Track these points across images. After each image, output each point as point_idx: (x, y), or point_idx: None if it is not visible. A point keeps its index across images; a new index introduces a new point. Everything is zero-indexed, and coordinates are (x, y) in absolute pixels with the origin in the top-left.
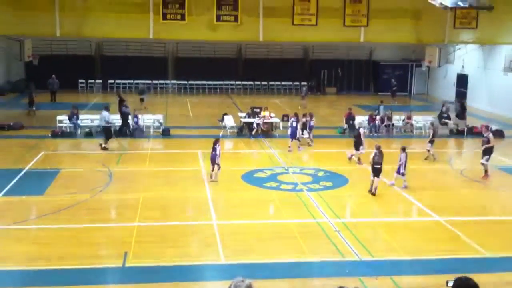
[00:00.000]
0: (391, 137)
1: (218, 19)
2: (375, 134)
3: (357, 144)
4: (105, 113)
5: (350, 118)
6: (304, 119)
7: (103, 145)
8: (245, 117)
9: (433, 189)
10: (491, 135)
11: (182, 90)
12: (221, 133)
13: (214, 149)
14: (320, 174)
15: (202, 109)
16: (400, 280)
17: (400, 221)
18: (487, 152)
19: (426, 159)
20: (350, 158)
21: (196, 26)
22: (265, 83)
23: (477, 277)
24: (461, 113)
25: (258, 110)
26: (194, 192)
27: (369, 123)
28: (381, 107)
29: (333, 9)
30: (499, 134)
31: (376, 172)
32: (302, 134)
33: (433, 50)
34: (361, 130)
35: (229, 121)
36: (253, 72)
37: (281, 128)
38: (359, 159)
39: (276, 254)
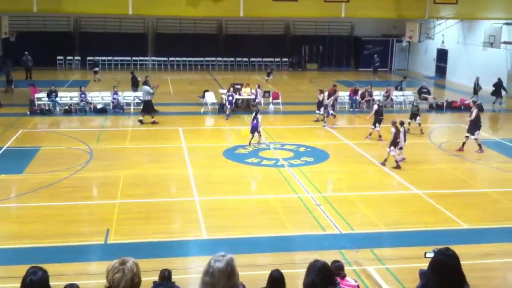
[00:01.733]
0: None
1: None
2: (356, 110)
3: (376, 121)
4: (146, 87)
5: (333, 94)
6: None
7: (142, 119)
8: (226, 94)
9: (412, 163)
10: (475, 110)
11: (162, 66)
12: (202, 109)
13: (255, 118)
14: (302, 149)
15: (182, 86)
16: (380, 252)
17: (380, 194)
18: (475, 127)
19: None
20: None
21: (176, 2)
22: (246, 59)
23: (455, 249)
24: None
25: (239, 86)
26: (175, 169)
27: (350, 99)
28: (404, 83)
29: None
30: (478, 108)
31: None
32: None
33: (413, 25)
34: (375, 106)
35: (210, 97)
36: (234, 49)
37: (262, 104)
38: (379, 136)
39: (258, 229)
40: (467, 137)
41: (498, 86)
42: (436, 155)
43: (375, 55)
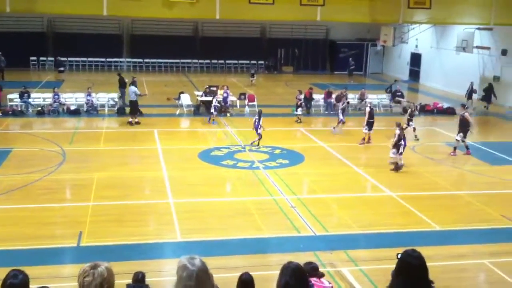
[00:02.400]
0: (346, 115)
1: None
2: (331, 112)
3: (367, 124)
4: (133, 87)
5: (309, 97)
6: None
7: (131, 121)
8: (201, 96)
9: (386, 165)
10: (467, 114)
11: (137, 68)
12: (178, 111)
13: (258, 119)
14: (277, 152)
15: (158, 87)
16: (354, 254)
17: (354, 196)
18: (464, 129)
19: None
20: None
21: (152, 3)
22: (222, 61)
23: (428, 250)
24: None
25: (214, 88)
26: (150, 171)
27: (324, 101)
28: (393, 86)
29: None
30: (450, 111)
31: (398, 147)
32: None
33: (388, 29)
34: (367, 109)
35: (185, 99)
36: (210, 51)
37: (238, 106)
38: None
39: (233, 231)
40: (458, 140)
41: (489, 91)
42: (409, 158)
43: (350, 59)
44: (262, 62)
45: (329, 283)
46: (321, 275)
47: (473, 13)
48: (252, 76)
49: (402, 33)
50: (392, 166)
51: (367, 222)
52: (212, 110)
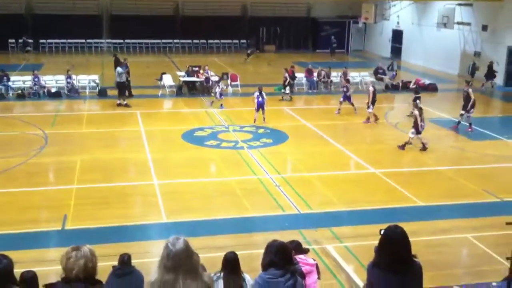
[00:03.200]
0: (329, 93)
1: None
2: (314, 91)
3: (371, 102)
4: (119, 68)
5: (292, 75)
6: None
7: (119, 102)
8: (184, 76)
9: (369, 143)
10: (470, 90)
11: (118, 49)
12: (160, 92)
13: (260, 95)
14: (261, 131)
15: (139, 69)
16: (338, 231)
17: (338, 174)
18: (469, 105)
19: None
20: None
21: None
22: (204, 41)
23: (411, 226)
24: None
25: (197, 68)
26: (133, 153)
27: (307, 80)
28: (395, 63)
29: None
30: (432, 88)
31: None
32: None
33: (369, 6)
34: (371, 88)
35: (167, 80)
36: (191, 30)
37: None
38: (375, 117)
39: (218, 212)
40: (461, 115)
41: (490, 68)
42: (392, 135)
43: (332, 37)
44: (244, 41)
45: (314, 260)
46: (306, 250)
47: None
48: (248, 55)
49: (384, 10)
50: (421, 146)
51: (351, 199)
52: (218, 95)
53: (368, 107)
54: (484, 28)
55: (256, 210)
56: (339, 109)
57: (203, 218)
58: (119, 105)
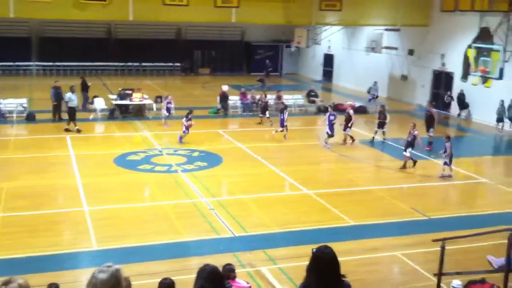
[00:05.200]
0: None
1: None
2: (249, 113)
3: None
4: (70, 94)
5: (224, 98)
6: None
7: (68, 128)
8: (116, 99)
9: (303, 164)
10: (433, 109)
11: (48, 72)
12: (91, 116)
13: (283, 113)
14: (195, 154)
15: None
16: (273, 253)
17: (272, 196)
18: (431, 124)
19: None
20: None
21: (62, 4)
22: (137, 64)
23: (344, 245)
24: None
25: (130, 91)
26: (63, 179)
27: (242, 102)
28: (374, 87)
29: None
30: (362, 110)
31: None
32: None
33: (301, 31)
34: (351, 111)
35: (99, 103)
36: (124, 53)
37: (154, 109)
38: (351, 138)
39: (152, 237)
40: (430, 135)
41: (461, 99)
42: (325, 156)
43: (267, 61)
44: (178, 64)
45: (247, 283)
46: (233, 276)
47: (381, 15)
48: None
49: (315, 35)
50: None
51: (285, 220)
52: (165, 111)
53: (345, 129)
54: (411, 52)
55: (191, 234)
56: (280, 130)
57: (136, 244)
58: (67, 130)
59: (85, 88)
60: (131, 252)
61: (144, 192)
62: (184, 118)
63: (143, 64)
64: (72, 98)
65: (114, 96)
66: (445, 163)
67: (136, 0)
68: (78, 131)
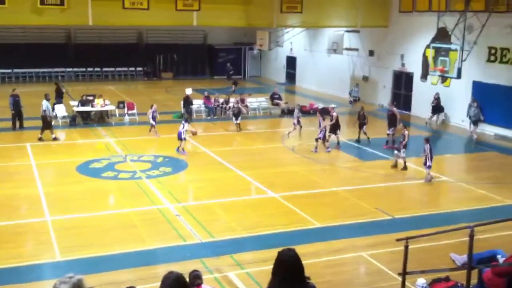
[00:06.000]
0: (228, 119)
1: (42, 2)
2: (214, 117)
3: (335, 128)
4: (45, 102)
5: (187, 102)
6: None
7: (41, 136)
8: (77, 106)
9: (268, 167)
10: (395, 109)
11: (6, 79)
12: (53, 123)
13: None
14: (160, 160)
15: (29, 99)
16: (240, 257)
17: (238, 200)
18: (393, 123)
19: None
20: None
21: (19, 10)
22: (99, 69)
23: (310, 247)
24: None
25: (91, 98)
26: (23, 189)
27: (206, 106)
28: (355, 90)
29: None
30: (326, 112)
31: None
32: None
33: (263, 34)
34: (334, 114)
35: (60, 110)
36: (85, 58)
37: (117, 115)
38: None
39: (117, 245)
40: (388, 134)
41: (437, 102)
42: (290, 158)
43: (228, 64)
44: (140, 68)
45: None
46: (198, 284)
47: (342, 17)
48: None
49: (277, 37)
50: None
51: (252, 224)
52: (152, 122)
53: (332, 132)
54: (371, 53)
55: (157, 242)
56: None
57: (101, 253)
58: (40, 139)
59: (59, 95)
60: (96, 262)
61: (108, 200)
62: (182, 125)
63: (105, 69)
64: (49, 106)
65: (75, 103)
66: (426, 165)
67: (95, 4)
68: (55, 139)
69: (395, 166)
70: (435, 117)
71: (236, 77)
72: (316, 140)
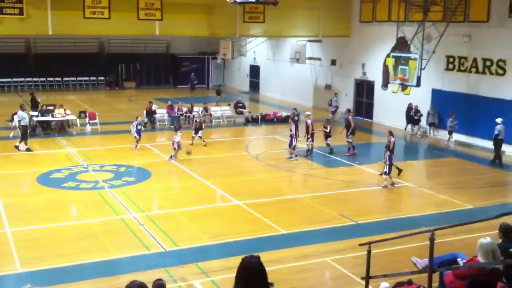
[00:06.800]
0: (190, 128)
1: (0, 11)
2: (177, 126)
3: (312, 135)
4: (21, 112)
5: (150, 111)
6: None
7: (17, 145)
8: (38, 116)
9: (232, 175)
10: (350, 117)
11: None
12: (11, 133)
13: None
14: (122, 169)
15: None
16: (205, 265)
17: (203, 208)
18: (352, 132)
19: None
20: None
21: None
22: (59, 78)
23: (275, 254)
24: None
25: (51, 107)
26: None
27: (169, 116)
28: (334, 99)
29: (126, 2)
30: (286, 120)
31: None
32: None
33: (226, 43)
34: (308, 121)
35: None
36: (45, 68)
37: (78, 125)
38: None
39: (80, 256)
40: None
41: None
42: (254, 166)
43: (192, 74)
44: (102, 78)
45: None
46: None
47: (304, 27)
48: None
49: (240, 46)
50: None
51: (217, 232)
52: (136, 135)
53: (308, 140)
54: (333, 62)
55: (120, 252)
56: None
57: (64, 265)
58: (16, 147)
59: (35, 104)
60: (59, 273)
61: (69, 211)
62: (176, 134)
63: (65, 79)
64: (24, 116)
65: (35, 113)
66: (384, 173)
67: (55, 14)
68: (28, 150)
69: (399, 174)
70: (416, 128)
71: (199, 86)
72: (294, 148)
